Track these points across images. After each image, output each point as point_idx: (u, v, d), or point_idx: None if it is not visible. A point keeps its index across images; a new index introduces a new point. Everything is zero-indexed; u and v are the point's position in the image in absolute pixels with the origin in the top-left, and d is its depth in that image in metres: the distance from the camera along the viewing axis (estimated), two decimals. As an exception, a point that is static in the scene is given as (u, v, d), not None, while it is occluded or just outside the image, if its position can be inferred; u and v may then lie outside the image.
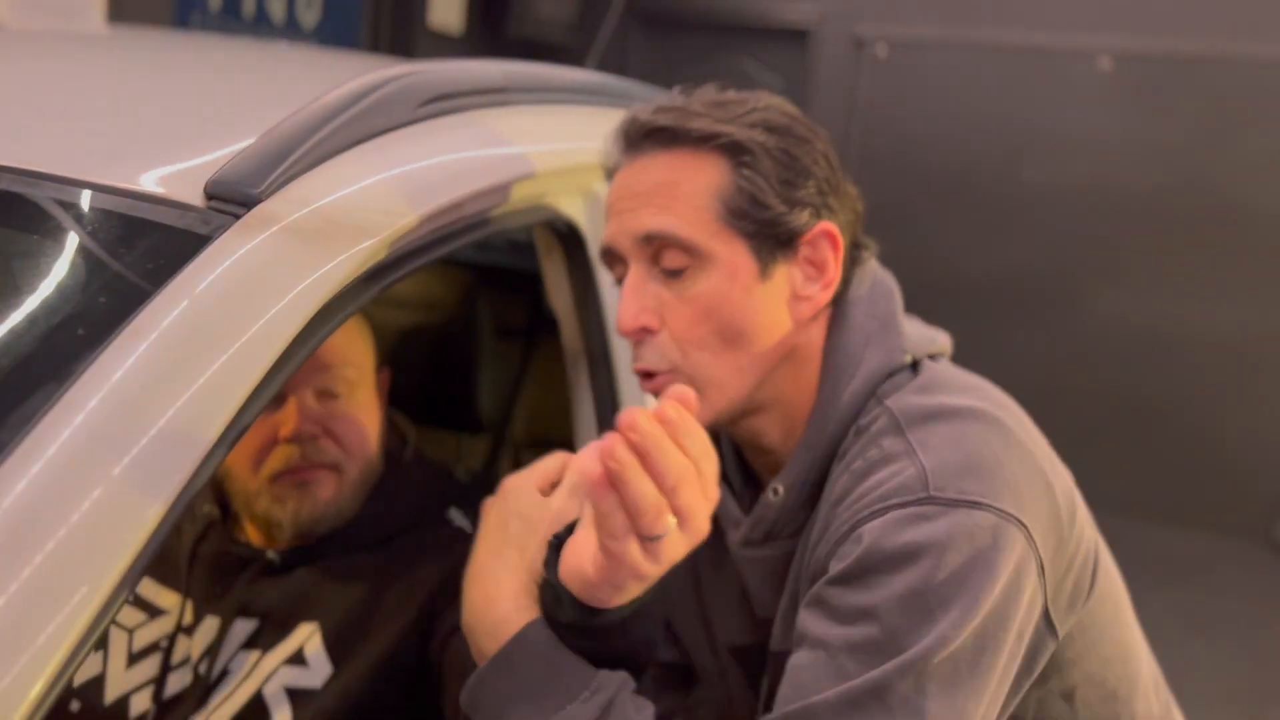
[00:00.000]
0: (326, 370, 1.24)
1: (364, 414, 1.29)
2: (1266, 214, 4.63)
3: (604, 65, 5.14)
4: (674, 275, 0.96)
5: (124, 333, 0.70)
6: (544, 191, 1.20)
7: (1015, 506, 0.89)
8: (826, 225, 0.99)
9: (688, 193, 0.95)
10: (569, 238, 1.28)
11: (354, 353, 1.28)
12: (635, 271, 0.96)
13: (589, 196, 1.31)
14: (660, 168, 0.96)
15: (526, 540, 0.87)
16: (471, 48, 5.25)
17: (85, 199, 0.80)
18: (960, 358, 1.10)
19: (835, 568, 0.89)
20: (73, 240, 0.78)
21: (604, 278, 1.31)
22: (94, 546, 0.65)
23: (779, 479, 1.01)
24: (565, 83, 1.41)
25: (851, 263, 1.03)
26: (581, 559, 0.78)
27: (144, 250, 0.76)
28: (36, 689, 0.61)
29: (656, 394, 0.97)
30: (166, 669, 1.24)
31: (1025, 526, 0.89)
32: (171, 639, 1.25)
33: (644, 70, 5.87)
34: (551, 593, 0.82)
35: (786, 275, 0.98)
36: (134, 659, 1.25)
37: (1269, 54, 4.58)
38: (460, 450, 2.03)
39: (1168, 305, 4.82)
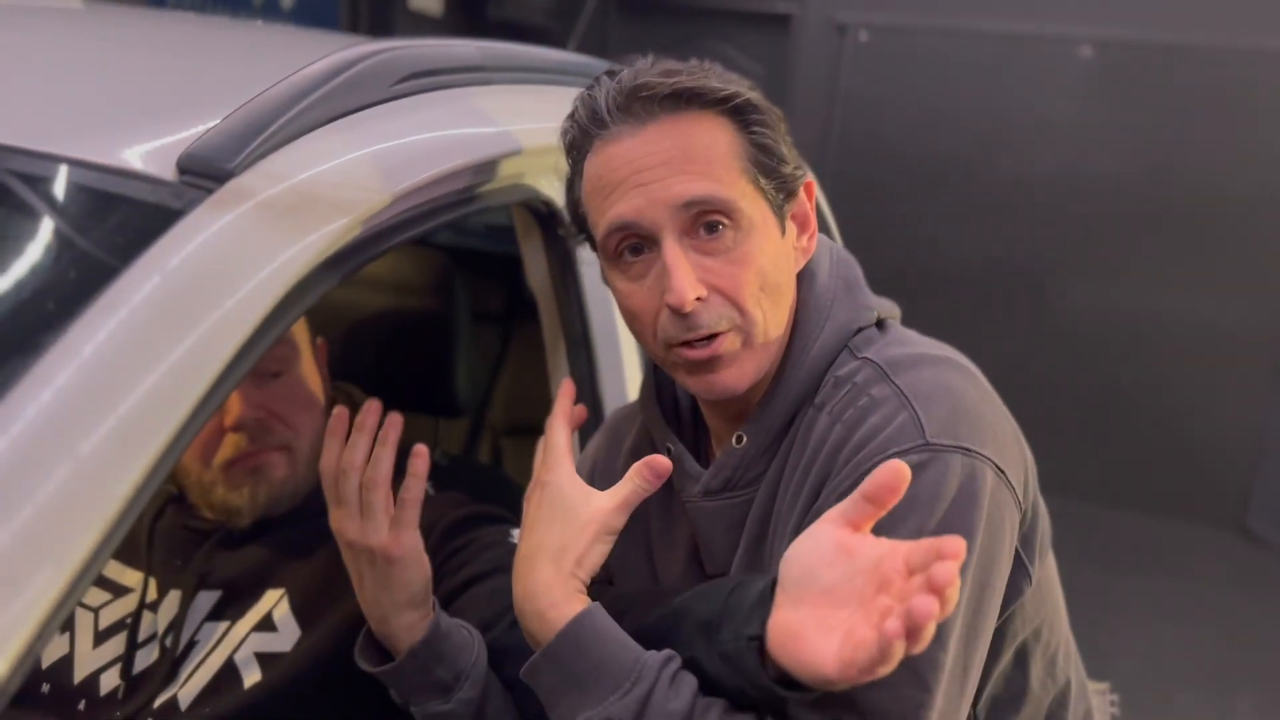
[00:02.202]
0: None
1: (306, 387, 1.28)
2: (1245, 203, 4.66)
3: (584, 49, 5.12)
4: (715, 238, 0.94)
5: (94, 308, 0.69)
6: (523, 170, 1.19)
7: (997, 453, 0.91)
8: (809, 180, 1.03)
9: (719, 155, 0.94)
10: (548, 218, 1.28)
11: (290, 330, 1.27)
12: (672, 243, 0.94)
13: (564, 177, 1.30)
14: (678, 133, 0.94)
15: (572, 538, 0.94)
16: (451, 30, 5.22)
17: (57, 173, 0.79)
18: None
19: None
20: (43, 214, 0.77)
21: (584, 260, 1.30)
22: (61, 525, 0.64)
23: (744, 428, 1.01)
24: (542, 62, 1.40)
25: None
26: (819, 654, 0.76)
27: (115, 224, 0.75)
28: (2, 669, 0.60)
29: (714, 362, 0.96)
30: (133, 646, 1.24)
31: (1005, 473, 0.92)
32: (136, 616, 1.25)
33: (623, 54, 5.83)
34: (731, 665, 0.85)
35: (790, 228, 1.01)
36: (100, 638, 1.25)
37: (1249, 44, 4.60)
38: (438, 434, 2.02)
39: (1144, 293, 4.85)
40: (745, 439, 1.01)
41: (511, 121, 1.19)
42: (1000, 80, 5.08)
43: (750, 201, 0.95)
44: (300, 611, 1.21)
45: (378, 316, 1.73)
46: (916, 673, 0.85)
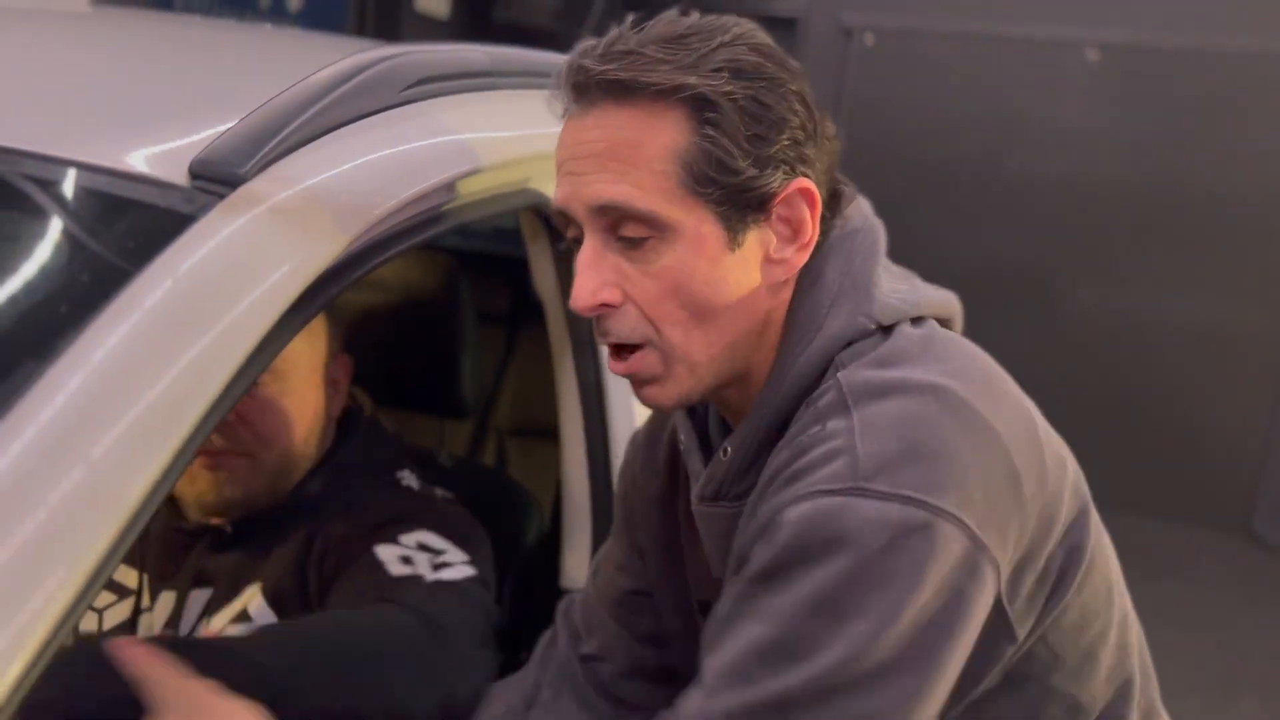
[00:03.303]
0: None
1: (290, 403, 1.27)
2: (1251, 207, 4.66)
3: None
4: (634, 246, 0.86)
5: (106, 312, 0.70)
6: (530, 175, 1.20)
7: (958, 502, 0.79)
8: (802, 183, 0.88)
9: (646, 157, 0.84)
10: (555, 222, 1.28)
11: None
12: (591, 243, 0.87)
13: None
14: (615, 125, 0.85)
15: None
16: (458, 32, 5.23)
17: (69, 177, 0.79)
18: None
19: (756, 556, 0.83)
20: (56, 218, 0.78)
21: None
22: (74, 528, 0.64)
23: (729, 440, 0.94)
24: (550, 67, 1.41)
25: (830, 214, 0.93)
26: None
27: (127, 229, 0.76)
28: (15, 670, 0.60)
29: (630, 377, 0.90)
30: None
31: (967, 525, 0.80)
32: (133, 620, 1.26)
33: (631, 57, 5.83)
34: None
35: (759, 239, 0.89)
36: (104, 639, 1.25)
37: (1256, 47, 4.60)
38: (444, 436, 2.03)
39: (1149, 296, 4.84)
40: (729, 451, 0.94)
41: (519, 126, 1.19)
42: (1006, 84, 5.07)
43: (681, 213, 0.85)
44: (274, 601, 1.22)
45: (384, 318, 1.73)
46: None
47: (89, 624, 1.25)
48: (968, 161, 5.17)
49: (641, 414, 1.33)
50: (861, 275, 0.93)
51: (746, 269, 0.88)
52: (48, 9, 1.40)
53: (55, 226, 0.78)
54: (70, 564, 0.64)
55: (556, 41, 5.56)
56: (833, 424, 0.84)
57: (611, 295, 0.86)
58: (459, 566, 1.18)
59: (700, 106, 0.84)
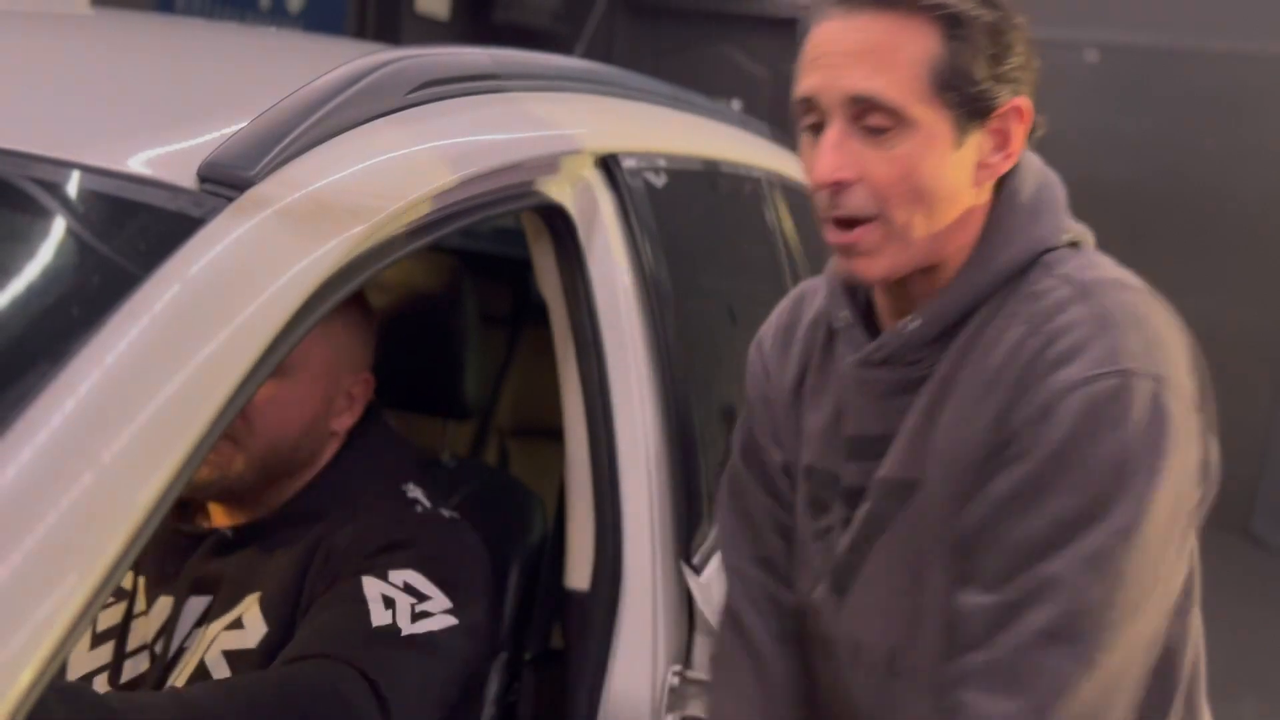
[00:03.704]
0: None
1: (288, 398, 1.26)
2: (1250, 208, 4.66)
3: (590, 52, 5.13)
4: (876, 134, 1.00)
5: (117, 315, 0.70)
6: (534, 176, 1.20)
7: (1189, 386, 1.00)
8: (1020, 101, 1.04)
9: (902, 60, 0.99)
10: (558, 223, 1.28)
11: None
12: (836, 128, 1.01)
13: (578, 182, 1.31)
14: (877, 29, 0.99)
15: None
16: (458, 32, 5.23)
17: (78, 181, 0.80)
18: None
19: (1041, 437, 0.97)
20: (65, 222, 0.78)
21: (594, 265, 1.31)
22: (85, 533, 0.64)
23: (918, 314, 1.08)
24: (553, 69, 1.41)
25: (1029, 135, 1.09)
26: None
27: (136, 232, 0.76)
28: (26, 677, 0.60)
29: (851, 248, 1.03)
30: (121, 655, 1.24)
31: (1194, 407, 1.00)
32: (125, 625, 1.25)
33: (630, 58, 5.85)
34: None
35: (976, 144, 1.03)
36: (97, 640, 1.25)
37: (1254, 48, 4.61)
38: (447, 436, 2.03)
39: (1149, 297, 4.84)
40: (917, 324, 1.08)
41: (523, 128, 1.20)
42: (1005, 84, 5.07)
43: (924, 110, 0.99)
44: (268, 610, 1.21)
45: (386, 319, 1.74)
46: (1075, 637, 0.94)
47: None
48: (967, 162, 5.17)
49: (646, 417, 1.33)
50: (1052, 201, 1.12)
51: (963, 168, 1.03)
52: (48, 11, 1.40)
53: (65, 230, 0.78)
54: (81, 570, 0.64)
55: (557, 43, 5.57)
56: (1076, 311, 1.00)
57: (848, 174, 1.00)
58: (439, 616, 1.19)
59: (951, 24, 0.99)
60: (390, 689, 1.10)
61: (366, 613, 1.15)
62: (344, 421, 1.34)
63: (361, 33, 4.77)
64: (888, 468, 1.10)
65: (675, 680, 1.30)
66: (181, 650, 1.22)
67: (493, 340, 2.20)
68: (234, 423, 1.22)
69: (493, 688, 1.40)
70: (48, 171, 0.80)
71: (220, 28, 1.57)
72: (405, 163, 0.96)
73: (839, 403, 1.17)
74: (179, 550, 1.28)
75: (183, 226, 0.76)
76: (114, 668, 1.23)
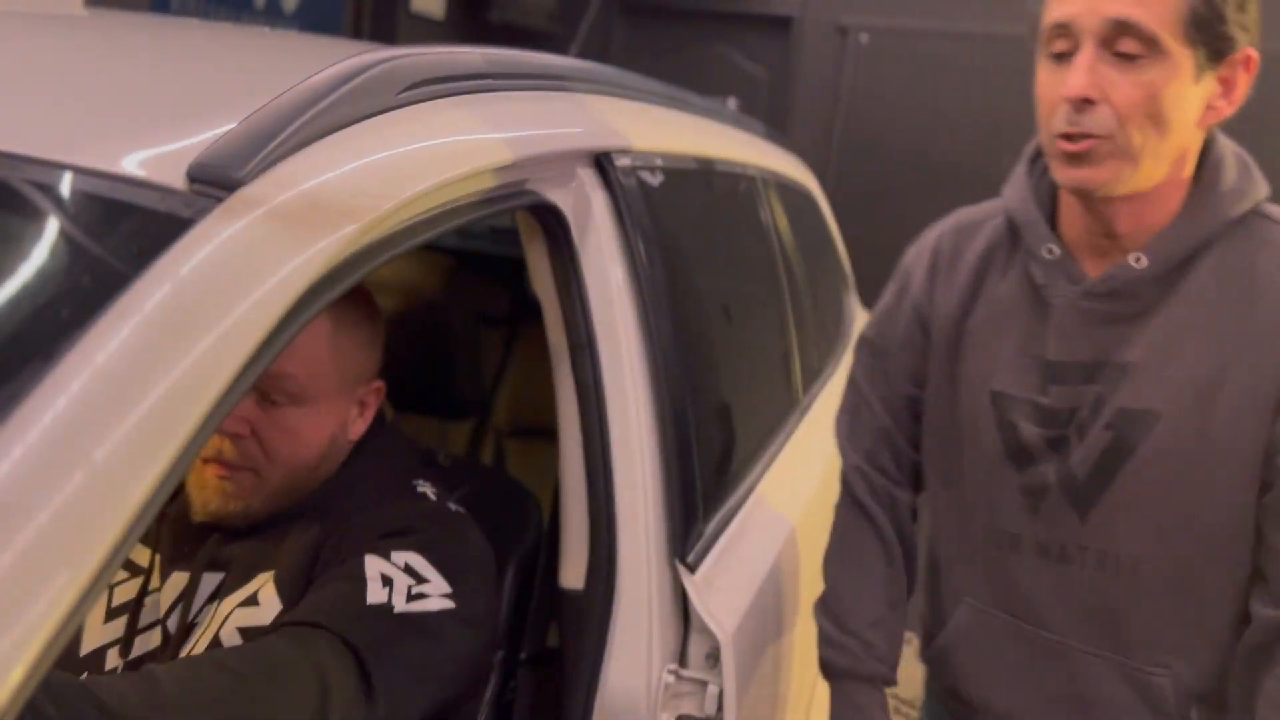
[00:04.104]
0: (269, 376, 1.25)
1: (307, 426, 1.28)
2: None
3: (585, 52, 5.13)
4: (1127, 60, 1.13)
5: (107, 315, 0.70)
6: (528, 176, 1.20)
7: None
8: (1250, 51, 1.17)
9: None
10: (552, 222, 1.28)
11: (305, 364, 1.27)
12: (1088, 51, 1.14)
13: (571, 181, 1.31)
14: None
15: None
16: (453, 32, 5.24)
17: (67, 181, 0.80)
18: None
19: None
20: (55, 223, 0.78)
21: (588, 264, 1.31)
22: (77, 530, 0.65)
23: (1143, 252, 1.22)
24: (546, 69, 1.41)
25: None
26: None
27: (126, 233, 0.76)
28: (17, 674, 0.60)
29: (1082, 156, 1.16)
30: (133, 630, 1.26)
31: None
32: (139, 601, 1.27)
33: (626, 57, 5.86)
34: None
35: (1208, 84, 1.17)
36: (111, 614, 1.27)
37: (1273, 49, 4.60)
38: (445, 436, 2.03)
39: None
40: (1144, 261, 1.22)
41: (517, 128, 1.20)
42: (1000, 82, 5.08)
43: (1173, 42, 1.12)
44: (282, 588, 1.23)
45: (386, 319, 1.74)
46: None
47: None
48: (962, 159, 5.18)
49: (640, 416, 1.33)
50: (1249, 161, 1.28)
51: (1195, 104, 1.17)
52: (42, 11, 1.40)
53: (55, 231, 0.78)
54: (73, 567, 0.64)
55: (552, 42, 5.56)
56: None
57: (1095, 93, 1.14)
58: (435, 599, 1.20)
59: None
60: (376, 663, 1.11)
61: (363, 590, 1.17)
62: (358, 429, 1.37)
63: (357, 32, 4.77)
64: (1127, 398, 1.24)
65: (670, 678, 1.30)
66: (194, 625, 1.24)
67: (490, 340, 2.20)
68: (255, 454, 1.25)
69: (489, 687, 1.40)
70: (37, 172, 0.80)
71: (214, 27, 1.57)
72: (397, 162, 0.96)
73: (1033, 329, 1.30)
74: (196, 532, 1.30)
75: (172, 227, 0.76)
76: (125, 642, 1.25)
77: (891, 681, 1.48)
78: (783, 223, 2.41)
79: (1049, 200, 1.33)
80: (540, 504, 1.60)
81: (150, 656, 1.24)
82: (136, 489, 0.67)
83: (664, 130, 1.69)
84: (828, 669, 1.50)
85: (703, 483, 1.46)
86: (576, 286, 1.30)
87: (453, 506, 1.36)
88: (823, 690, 2.22)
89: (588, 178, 1.34)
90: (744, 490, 1.71)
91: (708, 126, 2.05)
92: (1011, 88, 5.24)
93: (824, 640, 1.50)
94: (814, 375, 2.43)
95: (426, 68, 1.08)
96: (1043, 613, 1.35)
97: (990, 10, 5.07)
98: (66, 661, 1.22)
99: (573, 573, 1.31)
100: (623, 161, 1.41)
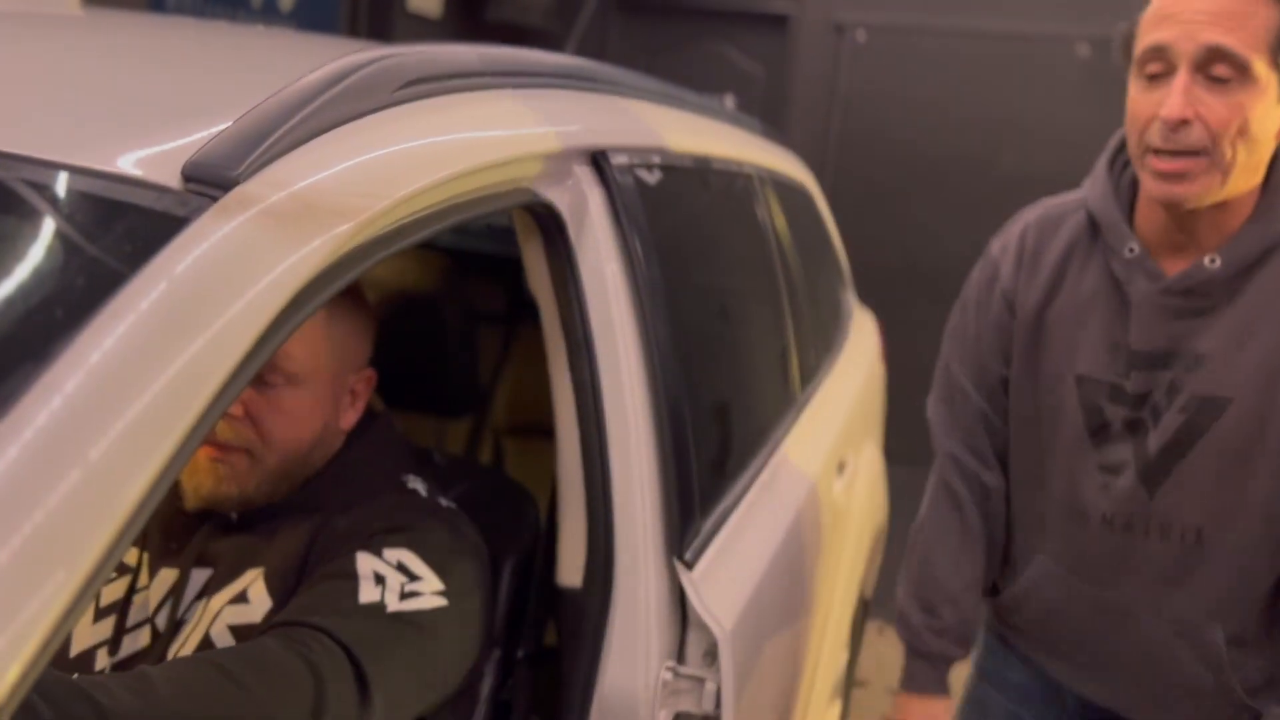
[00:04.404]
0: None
1: (301, 408, 1.29)
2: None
3: (583, 50, 5.13)
4: (1219, 83, 1.25)
5: (102, 314, 0.70)
6: (524, 174, 1.20)
7: None
8: None
9: (1251, 25, 1.23)
10: (549, 222, 1.28)
11: (302, 344, 1.28)
12: (1185, 75, 1.26)
13: (567, 179, 1.31)
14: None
15: None
16: (450, 30, 5.23)
17: (61, 181, 0.80)
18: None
19: None
20: (49, 222, 0.78)
21: (585, 262, 1.31)
22: (73, 529, 0.65)
23: (1219, 254, 1.35)
24: (542, 67, 1.41)
25: None
26: None
27: (121, 232, 0.76)
28: (13, 674, 0.60)
29: (1176, 175, 1.28)
30: (121, 630, 1.26)
31: None
32: (126, 600, 1.27)
33: (623, 55, 5.85)
34: None
35: None
36: (100, 614, 1.27)
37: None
38: (443, 434, 2.03)
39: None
40: (1218, 262, 1.34)
41: (513, 126, 1.20)
42: (997, 79, 5.08)
43: (1260, 67, 1.24)
44: (272, 585, 1.23)
45: (381, 318, 1.75)
46: None
47: None
48: (960, 156, 5.18)
49: (637, 413, 1.33)
50: None
51: (1276, 121, 1.28)
52: (37, 10, 1.40)
53: (49, 230, 0.78)
54: (69, 566, 0.64)
55: (549, 40, 5.56)
56: None
57: (1190, 113, 1.26)
58: (429, 597, 1.20)
59: None
60: (370, 664, 1.11)
61: (355, 589, 1.17)
62: (350, 418, 1.37)
63: (354, 30, 4.77)
64: (1200, 385, 1.36)
65: (668, 676, 1.30)
66: (182, 623, 1.24)
67: (488, 339, 2.20)
68: (250, 436, 1.25)
69: (486, 685, 1.40)
70: (34, 172, 0.80)
71: (209, 26, 1.57)
72: (392, 161, 0.96)
73: (1114, 320, 1.43)
74: (184, 528, 1.30)
75: (168, 226, 0.76)
76: (114, 642, 1.25)
77: (958, 658, 1.64)
78: (780, 220, 2.41)
79: (1128, 198, 1.46)
80: (538, 502, 1.60)
81: (139, 655, 1.24)
82: (132, 488, 0.67)
83: (660, 128, 1.69)
84: (905, 639, 1.67)
85: (700, 480, 1.46)
86: (573, 285, 1.30)
87: (443, 502, 1.36)
88: (822, 686, 2.22)
89: (584, 176, 1.34)
90: (741, 487, 1.71)
91: (705, 124, 2.05)
92: (1009, 85, 5.25)
93: (898, 612, 1.67)
94: (812, 372, 2.43)
95: (422, 66, 1.08)
96: (1106, 576, 1.49)
97: (987, 7, 5.07)
98: (56, 663, 1.22)
99: (570, 570, 1.31)
100: (619, 160, 1.41)
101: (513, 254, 1.84)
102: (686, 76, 5.08)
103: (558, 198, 1.28)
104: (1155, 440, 1.41)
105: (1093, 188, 1.50)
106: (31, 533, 0.63)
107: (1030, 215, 1.59)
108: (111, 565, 0.67)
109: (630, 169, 1.45)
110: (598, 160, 1.37)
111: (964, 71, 5.15)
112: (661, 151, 1.62)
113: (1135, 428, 1.43)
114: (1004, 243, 1.60)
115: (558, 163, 1.28)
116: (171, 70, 1.13)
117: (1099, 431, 1.46)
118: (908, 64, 5.27)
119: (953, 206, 5.17)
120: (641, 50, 5.94)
